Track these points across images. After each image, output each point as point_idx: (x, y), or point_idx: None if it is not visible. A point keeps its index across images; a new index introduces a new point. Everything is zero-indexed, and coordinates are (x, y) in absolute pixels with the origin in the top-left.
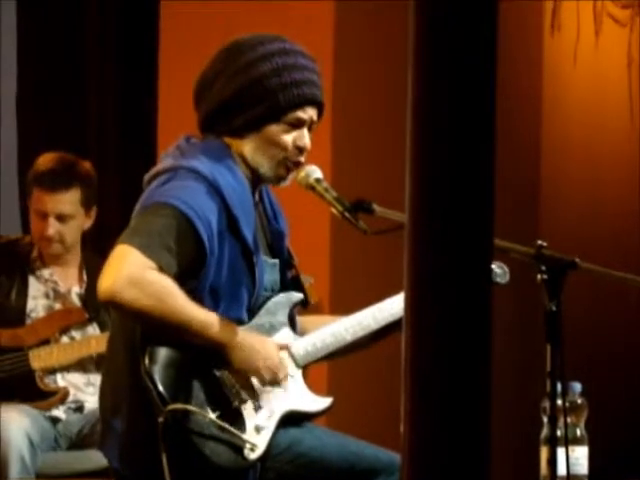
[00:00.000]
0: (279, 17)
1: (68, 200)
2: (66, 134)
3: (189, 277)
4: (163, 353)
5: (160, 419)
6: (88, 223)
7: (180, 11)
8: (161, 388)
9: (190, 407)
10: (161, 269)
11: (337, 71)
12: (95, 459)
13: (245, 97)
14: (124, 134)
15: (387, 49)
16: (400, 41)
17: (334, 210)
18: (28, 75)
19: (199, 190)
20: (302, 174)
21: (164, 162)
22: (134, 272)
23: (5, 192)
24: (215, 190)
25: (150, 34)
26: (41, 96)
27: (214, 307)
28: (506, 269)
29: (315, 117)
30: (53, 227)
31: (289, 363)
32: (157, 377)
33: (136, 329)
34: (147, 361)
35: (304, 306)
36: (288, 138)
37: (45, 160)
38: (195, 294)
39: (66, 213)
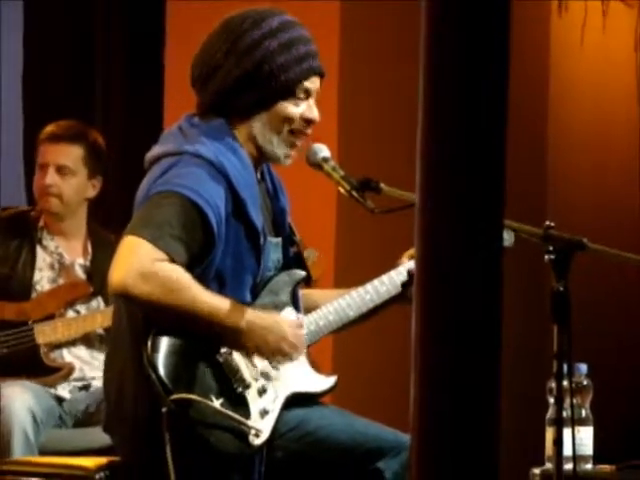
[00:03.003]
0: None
1: (70, 153)
2: (72, 110)
3: (196, 264)
4: (165, 341)
5: (164, 409)
6: (91, 191)
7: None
8: (164, 377)
9: (193, 396)
10: (172, 260)
11: (343, 51)
12: (100, 437)
13: (256, 75)
14: (130, 109)
15: (394, 36)
16: (404, 31)
17: (341, 189)
18: (34, 52)
19: (205, 176)
20: (310, 152)
21: (167, 144)
22: (146, 265)
23: (11, 170)
24: (221, 174)
25: (157, 12)
26: (47, 73)
27: (219, 291)
28: (511, 232)
29: (319, 87)
30: (51, 177)
31: None
32: (160, 366)
33: (140, 317)
34: (149, 350)
35: (307, 283)
36: (297, 111)
37: (58, 122)
38: (201, 279)
39: (66, 165)
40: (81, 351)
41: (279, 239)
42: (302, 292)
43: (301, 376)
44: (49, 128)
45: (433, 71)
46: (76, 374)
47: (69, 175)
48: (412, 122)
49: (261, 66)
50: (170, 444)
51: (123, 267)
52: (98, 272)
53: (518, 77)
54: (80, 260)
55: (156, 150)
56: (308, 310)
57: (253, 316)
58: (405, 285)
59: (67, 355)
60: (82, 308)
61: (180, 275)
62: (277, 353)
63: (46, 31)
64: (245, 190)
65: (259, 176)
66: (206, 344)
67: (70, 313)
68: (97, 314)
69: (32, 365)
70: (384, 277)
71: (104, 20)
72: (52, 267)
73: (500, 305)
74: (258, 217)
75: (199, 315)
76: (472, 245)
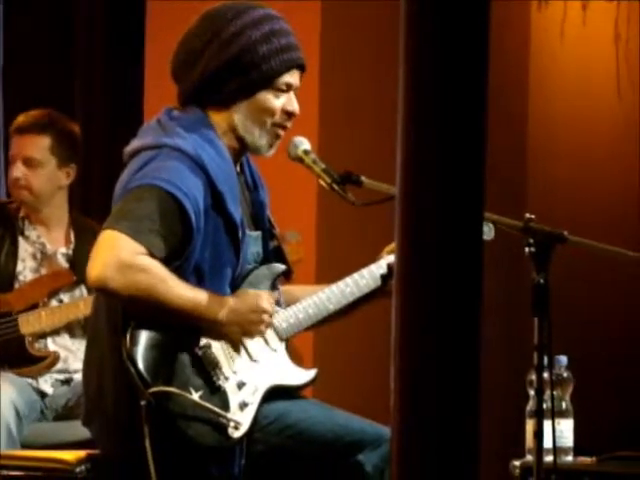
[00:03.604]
0: None
1: (36, 144)
2: (53, 102)
3: (175, 257)
4: (145, 334)
5: (142, 402)
6: (65, 180)
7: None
8: (143, 370)
9: (172, 389)
10: (151, 254)
11: (324, 48)
12: (81, 430)
13: (237, 64)
14: (111, 102)
15: (374, 34)
16: (385, 27)
17: (322, 182)
18: (14, 50)
19: (184, 169)
20: (290, 146)
21: (145, 137)
22: (124, 258)
23: None
24: (200, 167)
25: (137, 11)
26: (28, 71)
27: (198, 285)
28: (491, 225)
29: (299, 82)
30: (19, 170)
31: (272, 336)
32: (139, 359)
33: (119, 310)
34: (128, 343)
35: (287, 277)
36: (278, 103)
37: (28, 112)
38: (179, 273)
39: (32, 157)
40: (65, 340)
41: (259, 232)
42: (283, 288)
43: (281, 369)
44: (18, 119)
45: (412, 67)
46: (60, 365)
47: (37, 167)
48: (392, 116)
49: (243, 55)
50: (149, 437)
51: (102, 261)
52: (81, 260)
53: (499, 71)
54: (62, 249)
55: (135, 144)
56: (288, 306)
57: (230, 306)
58: (385, 278)
59: (52, 344)
60: (65, 297)
61: (159, 269)
62: (256, 332)
63: (27, 29)
64: (224, 183)
65: (238, 169)
66: (185, 337)
67: (53, 302)
68: (79, 302)
69: (17, 355)
70: (364, 271)
71: (85, 19)
72: (34, 257)
73: (480, 298)
74: (237, 210)
75: (178, 308)
76: (452, 238)
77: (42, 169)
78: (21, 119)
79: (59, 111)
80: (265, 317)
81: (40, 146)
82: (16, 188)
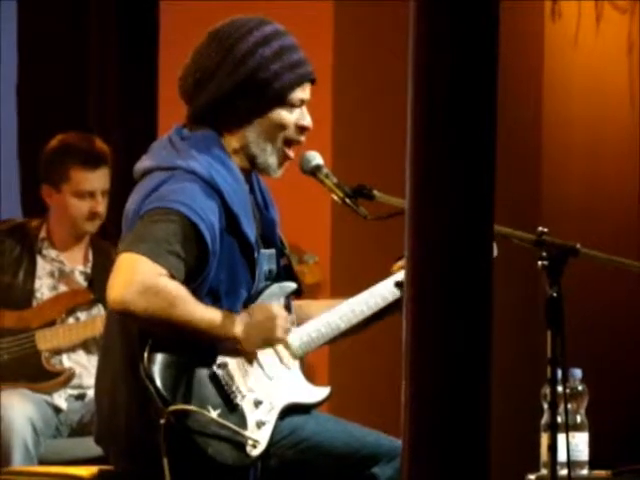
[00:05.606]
0: (277, 16)
1: (107, 176)
2: (66, 118)
3: (191, 280)
4: (162, 353)
5: (162, 420)
6: None
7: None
8: (162, 389)
9: (191, 407)
10: (171, 275)
11: (337, 52)
12: (95, 446)
13: (250, 84)
14: (125, 119)
15: (388, 36)
16: (398, 34)
17: (335, 196)
18: (29, 61)
19: (199, 192)
20: (303, 160)
21: (158, 157)
22: (145, 280)
23: (5, 178)
24: (214, 189)
25: (151, 13)
26: (41, 76)
27: (213, 306)
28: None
29: (309, 95)
30: (103, 204)
31: (286, 354)
32: (157, 378)
33: (134, 330)
34: (146, 362)
35: (298, 295)
36: (291, 118)
37: (75, 140)
38: (195, 295)
39: (107, 188)
40: (81, 357)
41: (272, 251)
42: (295, 304)
43: (296, 387)
44: (76, 149)
45: (421, 79)
46: (75, 380)
47: (106, 195)
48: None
49: (256, 74)
50: (167, 455)
51: (123, 284)
52: (99, 279)
53: (512, 82)
54: (80, 267)
55: (147, 162)
56: (301, 322)
57: (244, 321)
58: (397, 300)
59: (67, 361)
60: (83, 315)
61: (179, 290)
62: (277, 341)
63: (40, 33)
64: (238, 205)
65: (248, 188)
66: (202, 356)
67: (71, 320)
68: (97, 319)
69: (33, 371)
70: (374, 289)
71: (98, 22)
72: (52, 275)
73: (490, 311)
74: (252, 231)
75: (196, 329)
76: (462, 252)
77: (107, 196)
78: (83, 151)
79: (73, 127)
80: (280, 321)
81: (108, 177)
82: (92, 221)
